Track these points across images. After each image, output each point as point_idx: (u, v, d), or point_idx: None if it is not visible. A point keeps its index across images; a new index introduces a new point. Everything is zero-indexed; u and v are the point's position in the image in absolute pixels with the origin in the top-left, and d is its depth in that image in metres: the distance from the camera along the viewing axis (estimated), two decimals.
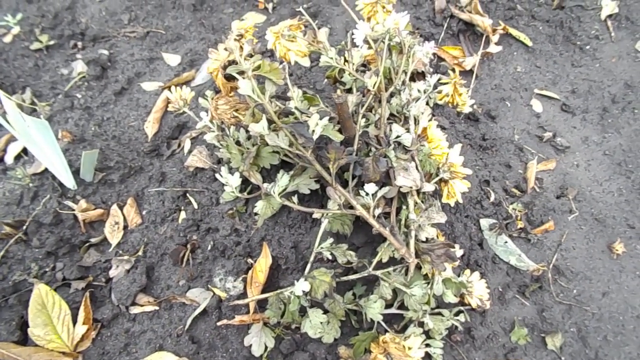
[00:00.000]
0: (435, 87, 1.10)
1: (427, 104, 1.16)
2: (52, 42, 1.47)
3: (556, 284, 1.12)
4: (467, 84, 1.44)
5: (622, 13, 1.58)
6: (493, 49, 1.51)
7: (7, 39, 1.45)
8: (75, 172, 1.19)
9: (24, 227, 1.13)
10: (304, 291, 0.89)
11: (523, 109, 1.43)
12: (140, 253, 1.13)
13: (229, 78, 0.82)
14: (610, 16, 1.59)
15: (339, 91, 0.88)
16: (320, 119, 0.81)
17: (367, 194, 0.88)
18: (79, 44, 1.48)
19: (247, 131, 1.02)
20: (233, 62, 0.77)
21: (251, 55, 0.73)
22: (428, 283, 0.96)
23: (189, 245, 1.12)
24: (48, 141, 1.02)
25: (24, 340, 1.03)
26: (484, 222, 1.16)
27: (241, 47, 0.73)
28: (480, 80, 1.48)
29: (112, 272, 1.12)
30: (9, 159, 1.25)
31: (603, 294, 1.10)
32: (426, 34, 1.52)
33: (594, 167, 1.31)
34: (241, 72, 0.74)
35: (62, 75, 1.43)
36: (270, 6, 1.57)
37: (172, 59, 1.47)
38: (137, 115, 1.37)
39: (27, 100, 1.35)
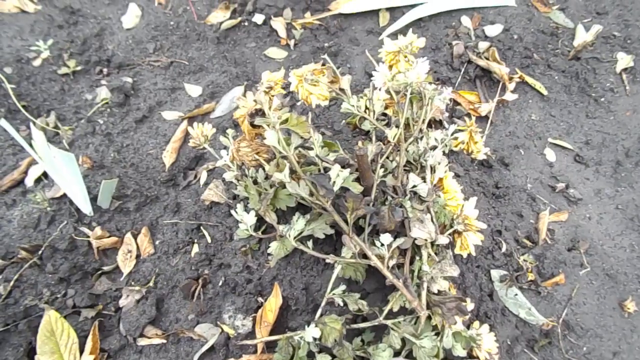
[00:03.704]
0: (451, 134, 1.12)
1: (443, 152, 1.18)
2: (79, 68, 1.51)
3: (566, 340, 1.11)
4: (482, 130, 1.46)
5: (637, 67, 1.60)
6: (509, 96, 1.53)
7: (37, 62, 1.50)
8: (93, 199, 1.21)
9: (40, 252, 1.14)
10: (314, 337, 0.89)
11: (536, 157, 1.44)
12: (151, 284, 1.14)
13: (254, 125, 0.84)
14: (625, 69, 1.61)
15: (360, 143, 0.90)
16: (343, 168, 0.82)
17: (382, 245, 0.88)
18: (105, 70, 1.53)
19: (264, 170, 1.04)
20: (260, 111, 0.80)
21: (279, 109, 0.75)
22: (437, 334, 0.96)
23: (200, 280, 1.12)
24: (72, 171, 1.04)
25: None
26: (495, 274, 1.16)
27: (270, 100, 0.76)
28: (494, 126, 1.50)
29: (122, 302, 1.13)
30: (29, 181, 1.28)
31: (614, 354, 1.09)
32: (443, 78, 1.55)
33: (606, 221, 1.31)
34: (268, 124, 0.76)
35: (86, 101, 1.46)
36: (292, 43, 1.61)
37: (194, 90, 1.50)
38: (156, 143, 1.39)
39: (51, 123, 1.38)
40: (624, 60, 1.62)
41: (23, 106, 1.40)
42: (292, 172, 0.84)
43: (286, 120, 0.75)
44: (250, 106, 0.80)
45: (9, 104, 1.40)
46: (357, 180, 0.90)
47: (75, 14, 1.64)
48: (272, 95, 0.77)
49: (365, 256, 0.92)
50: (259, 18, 1.63)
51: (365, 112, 1.02)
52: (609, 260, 1.24)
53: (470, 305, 1.01)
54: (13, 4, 1.64)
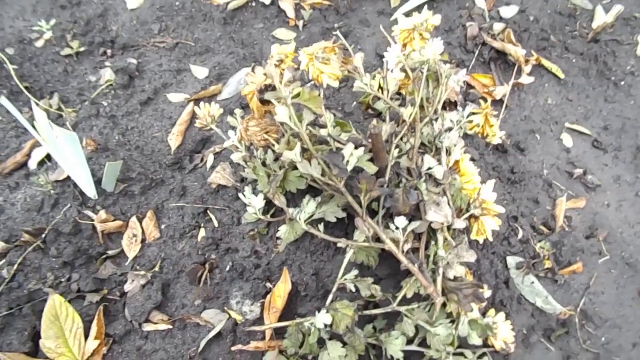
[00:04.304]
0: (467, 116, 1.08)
1: (458, 134, 1.14)
2: (82, 49, 1.47)
3: (583, 330, 1.07)
4: (496, 114, 1.41)
5: None
6: (524, 79, 1.48)
7: (39, 43, 1.46)
8: (97, 182, 1.18)
9: (43, 236, 1.12)
10: (325, 323, 0.86)
11: (553, 142, 1.40)
12: (156, 269, 1.11)
13: (264, 101, 0.80)
14: None
15: (374, 121, 0.86)
16: (355, 148, 0.78)
17: (397, 228, 0.85)
18: (109, 51, 1.49)
19: (274, 151, 1.01)
20: (270, 87, 0.76)
21: (290, 82, 0.71)
22: (452, 322, 0.93)
23: (207, 265, 1.10)
24: (75, 152, 1.01)
25: (34, 352, 1.01)
26: (511, 260, 1.12)
27: (281, 73, 0.72)
28: (509, 110, 1.45)
29: (127, 287, 1.10)
30: (32, 164, 1.25)
31: (633, 345, 1.06)
32: (457, 60, 1.50)
33: (626, 208, 1.27)
34: (278, 98, 0.73)
35: (89, 82, 1.43)
36: (300, 23, 1.56)
37: (200, 72, 1.46)
38: (162, 126, 1.36)
39: (54, 105, 1.35)
40: None
41: (25, 87, 1.37)
42: (303, 151, 0.80)
43: (298, 95, 0.72)
44: (260, 81, 0.77)
45: (11, 86, 1.37)
46: (371, 160, 0.87)
47: None
48: (283, 69, 0.73)
49: (378, 240, 0.88)
50: None
51: (378, 91, 0.98)
52: (629, 248, 1.20)
53: (487, 292, 0.98)
54: None
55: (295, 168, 0.90)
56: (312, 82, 1.06)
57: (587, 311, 1.10)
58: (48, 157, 1.26)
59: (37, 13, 1.53)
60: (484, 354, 0.95)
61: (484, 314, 0.97)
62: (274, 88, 0.73)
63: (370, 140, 0.86)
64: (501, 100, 1.45)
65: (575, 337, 1.06)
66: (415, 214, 0.93)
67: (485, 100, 1.36)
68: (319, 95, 0.73)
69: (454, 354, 0.92)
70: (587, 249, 1.19)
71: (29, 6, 1.55)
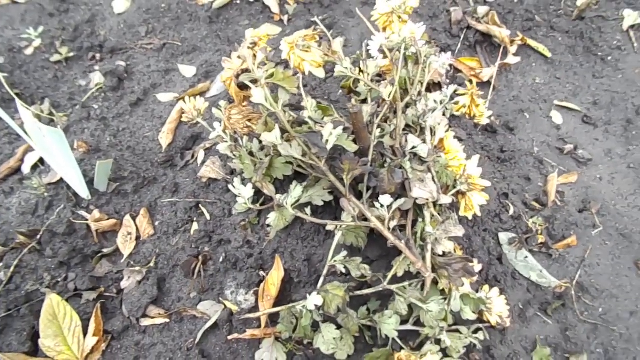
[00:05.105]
0: (452, 98, 1.08)
1: (444, 115, 1.14)
2: (71, 54, 1.49)
3: (580, 302, 1.07)
4: (484, 96, 1.41)
5: None
6: (511, 60, 1.48)
7: (29, 51, 1.48)
8: (90, 182, 1.20)
9: (38, 237, 1.13)
10: (316, 305, 0.87)
11: (542, 120, 1.40)
12: (152, 264, 1.12)
13: (243, 87, 0.81)
14: (632, 27, 1.55)
15: (353, 100, 0.87)
16: (335, 128, 0.79)
17: (382, 206, 0.85)
18: (97, 55, 1.51)
19: (260, 142, 1.01)
20: (246, 71, 0.77)
21: (264, 64, 0.72)
22: (445, 299, 0.92)
23: (200, 257, 1.10)
24: (63, 150, 1.03)
25: (34, 351, 1.02)
26: (503, 236, 1.12)
27: (254, 55, 0.73)
28: (498, 91, 1.45)
29: (124, 284, 1.11)
30: (26, 168, 1.26)
31: (631, 313, 1.05)
32: (442, 45, 1.51)
33: (618, 181, 1.26)
34: (254, 81, 0.73)
35: (80, 87, 1.45)
36: (285, 18, 1.58)
37: (188, 71, 1.48)
38: (152, 126, 1.37)
39: (46, 110, 1.37)
40: (631, 17, 1.56)
41: (17, 94, 1.39)
42: (283, 133, 0.81)
43: (272, 75, 0.72)
44: (236, 66, 0.77)
45: (3, 93, 1.39)
46: (353, 142, 0.87)
47: (66, 1, 1.62)
48: (256, 51, 0.74)
49: (366, 220, 0.88)
50: None
51: (359, 74, 0.99)
52: (623, 220, 1.19)
53: (477, 267, 0.98)
54: None
55: (280, 155, 0.91)
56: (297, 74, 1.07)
57: (583, 283, 1.09)
58: (41, 161, 1.27)
59: (26, 22, 1.56)
60: (479, 328, 0.95)
61: (477, 290, 0.97)
62: (249, 71, 0.74)
63: (351, 121, 0.87)
64: (489, 82, 1.46)
65: (572, 310, 1.06)
66: (401, 193, 0.93)
67: (472, 82, 1.37)
68: (294, 75, 0.73)
69: (449, 331, 0.92)
70: (581, 222, 1.19)
71: (18, 15, 1.57)
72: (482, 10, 1.56)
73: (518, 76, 1.49)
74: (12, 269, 1.10)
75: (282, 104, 0.76)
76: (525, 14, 1.59)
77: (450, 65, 1.46)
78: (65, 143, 1.00)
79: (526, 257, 1.09)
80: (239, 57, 0.77)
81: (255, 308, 1.04)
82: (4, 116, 1.06)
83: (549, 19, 1.59)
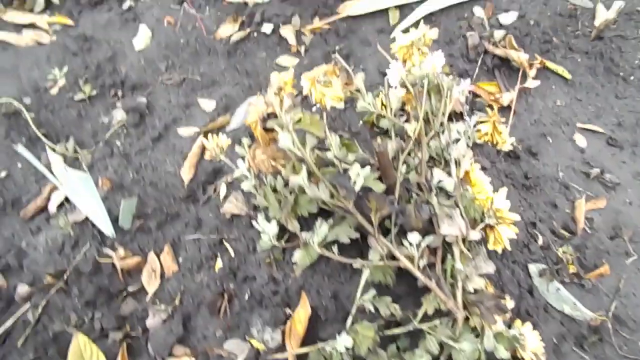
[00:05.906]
0: (474, 126, 1.07)
1: (467, 144, 1.13)
2: (94, 92, 1.53)
3: (618, 336, 1.03)
4: (505, 121, 1.40)
5: None
6: (530, 83, 1.47)
7: (54, 91, 1.52)
8: (114, 220, 1.21)
9: (65, 277, 1.14)
10: (346, 347, 0.85)
11: (566, 144, 1.37)
12: (176, 302, 1.12)
13: (268, 129, 0.82)
14: None
15: (379, 139, 0.87)
16: (362, 167, 0.79)
17: (410, 245, 0.84)
18: (119, 92, 1.54)
19: (284, 178, 1.01)
20: (272, 114, 0.77)
21: (291, 109, 0.72)
22: (477, 337, 0.90)
23: (225, 295, 1.10)
24: (89, 192, 1.04)
25: None
26: (533, 268, 1.09)
27: (281, 101, 0.73)
28: (518, 115, 1.44)
29: (149, 322, 1.11)
30: (52, 207, 1.28)
31: None
32: (460, 71, 1.50)
33: None
34: (281, 125, 0.74)
35: (103, 124, 1.47)
36: (302, 49, 1.59)
37: (207, 104, 1.50)
38: (174, 160, 1.39)
39: (70, 149, 1.39)
40: None
41: (43, 134, 1.42)
42: (310, 174, 0.81)
43: (299, 120, 0.73)
44: (262, 110, 0.78)
45: (30, 133, 1.42)
46: (379, 179, 0.86)
47: (89, 40, 1.67)
48: (283, 96, 0.74)
49: (394, 258, 0.87)
50: (267, 28, 1.62)
51: (381, 109, 0.99)
52: None
53: (510, 303, 0.95)
54: (30, 37, 1.68)
55: (305, 192, 0.91)
56: (317, 105, 1.08)
57: (619, 315, 1.06)
58: (67, 199, 1.29)
59: (51, 62, 1.60)
60: None
61: (509, 326, 0.94)
62: (276, 116, 0.75)
63: (377, 159, 0.86)
64: (509, 107, 1.44)
65: (610, 344, 1.02)
66: (429, 228, 0.92)
67: (492, 108, 1.36)
68: (321, 118, 0.73)
69: None
70: (613, 250, 1.15)
71: (43, 56, 1.62)
72: (498, 34, 1.56)
73: (538, 99, 1.48)
74: (39, 309, 1.11)
75: (310, 147, 0.76)
76: (543, 36, 1.58)
77: (470, 91, 1.46)
78: (92, 185, 1.02)
79: (558, 289, 1.06)
80: (265, 103, 0.78)
81: (282, 346, 1.02)
82: (31, 158, 1.08)
83: (567, 40, 1.58)
